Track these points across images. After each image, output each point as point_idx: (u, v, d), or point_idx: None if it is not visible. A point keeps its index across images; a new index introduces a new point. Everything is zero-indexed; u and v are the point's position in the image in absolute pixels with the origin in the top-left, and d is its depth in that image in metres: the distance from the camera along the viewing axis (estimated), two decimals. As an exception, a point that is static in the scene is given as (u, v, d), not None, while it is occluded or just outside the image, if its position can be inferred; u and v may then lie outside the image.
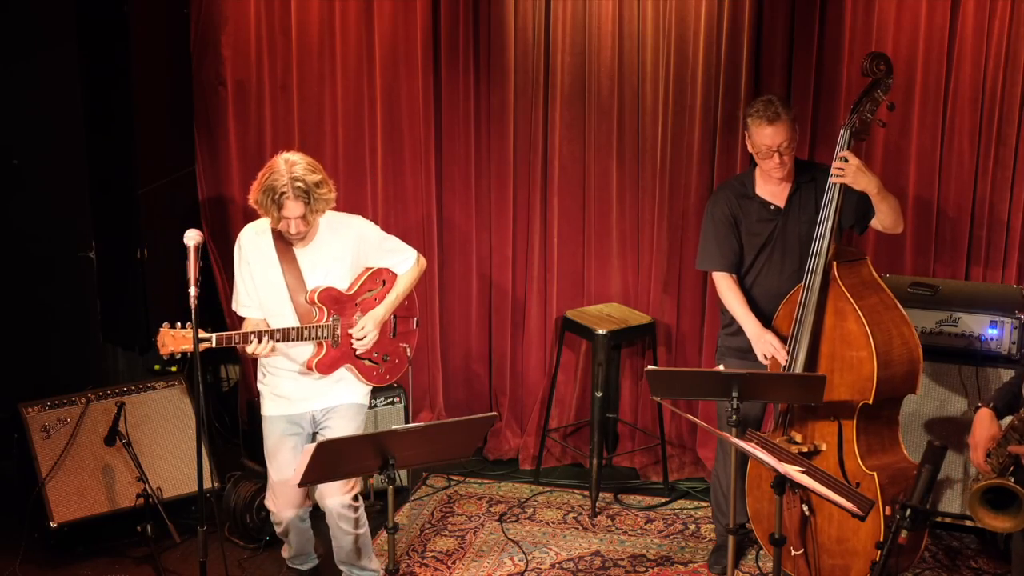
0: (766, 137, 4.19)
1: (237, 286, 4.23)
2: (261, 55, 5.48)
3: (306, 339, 4.09)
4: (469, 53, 5.34)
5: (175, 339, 3.90)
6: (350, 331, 4.19)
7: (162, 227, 5.19)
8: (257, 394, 5.32)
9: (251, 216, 5.62)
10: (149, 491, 4.70)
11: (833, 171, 4.10)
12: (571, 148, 5.34)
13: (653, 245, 5.33)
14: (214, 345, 3.94)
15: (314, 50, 5.45)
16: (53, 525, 4.63)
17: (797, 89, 5.01)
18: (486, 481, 5.43)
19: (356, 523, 4.24)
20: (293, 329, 4.06)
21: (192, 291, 3.77)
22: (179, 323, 3.92)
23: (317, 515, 4.47)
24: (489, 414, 3.99)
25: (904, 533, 3.63)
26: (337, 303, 4.16)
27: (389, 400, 5.18)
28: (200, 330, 3.86)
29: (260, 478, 4.84)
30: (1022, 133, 4.82)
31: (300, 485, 3.66)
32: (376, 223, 5.50)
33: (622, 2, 5.12)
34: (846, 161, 4.08)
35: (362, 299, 4.23)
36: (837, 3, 4.91)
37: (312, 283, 4.13)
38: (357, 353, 4.23)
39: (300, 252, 4.13)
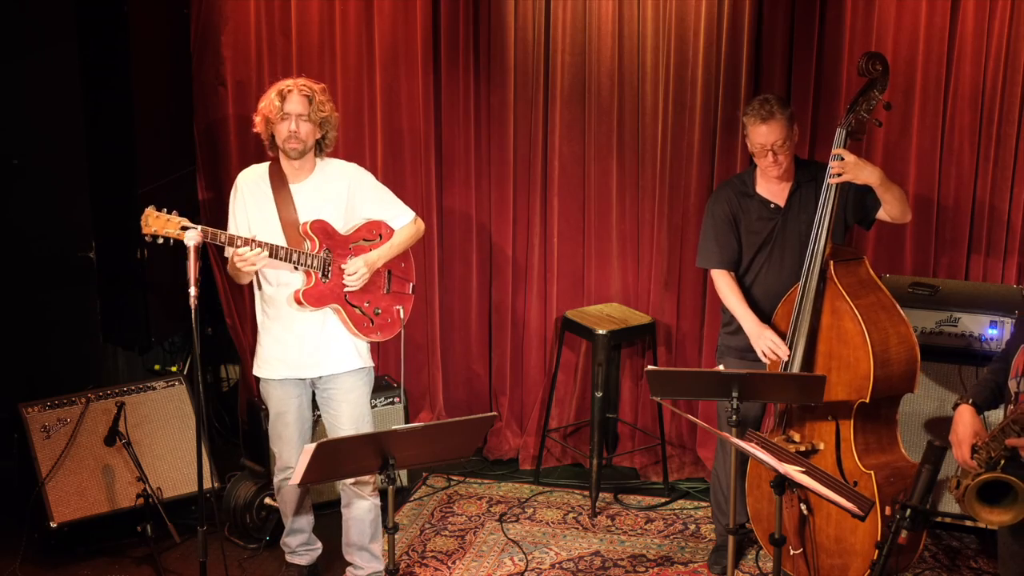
0: (760, 135, 4.19)
1: (229, 228, 4.23)
2: (261, 55, 5.49)
3: (295, 263, 4.08)
4: (469, 53, 5.34)
5: (159, 220, 3.91)
6: (342, 266, 4.19)
7: (162, 227, 5.19)
8: (257, 393, 5.34)
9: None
10: (149, 491, 4.70)
11: (831, 171, 4.09)
12: (571, 148, 5.34)
13: (653, 245, 5.33)
14: (199, 240, 3.86)
15: (314, 50, 5.45)
16: (53, 525, 4.63)
17: (797, 89, 5.01)
18: (486, 481, 5.43)
19: (372, 490, 4.27)
20: (283, 248, 4.06)
21: (192, 291, 3.77)
22: (165, 209, 3.93)
23: (323, 512, 4.48)
24: (489, 414, 4.00)
25: (904, 533, 3.63)
26: (330, 238, 4.17)
27: (389, 400, 5.18)
28: (187, 220, 3.92)
29: (260, 478, 4.85)
30: (1022, 133, 4.82)
31: (300, 485, 3.66)
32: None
33: (622, 2, 5.12)
34: (841, 159, 4.07)
35: (356, 245, 4.24)
36: (837, 3, 4.91)
37: (305, 218, 4.16)
38: (347, 291, 4.21)
39: (295, 189, 4.17)
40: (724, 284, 4.39)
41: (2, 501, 4.98)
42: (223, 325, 5.72)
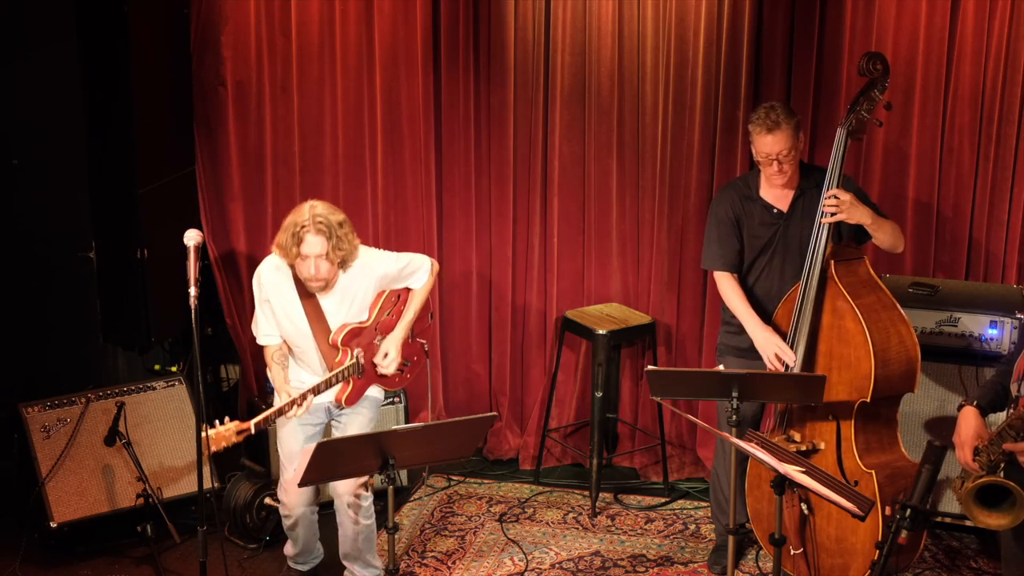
0: (766, 145, 4.19)
1: (258, 317, 4.25)
2: (261, 55, 5.48)
3: (335, 384, 4.13)
4: (469, 53, 5.34)
5: (216, 440, 3.83)
6: (374, 360, 4.25)
7: (162, 227, 5.19)
8: (257, 393, 5.33)
9: (250, 215, 5.66)
10: (149, 491, 4.70)
11: (825, 208, 4.10)
12: (571, 148, 5.34)
13: (653, 245, 5.33)
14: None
15: (314, 50, 5.45)
16: (53, 525, 4.63)
17: (797, 89, 5.01)
18: (486, 481, 5.43)
19: (362, 513, 4.26)
20: (323, 382, 4.09)
21: (192, 291, 3.77)
22: (216, 420, 3.86)
23: (322, 511, 4.48)
24: (489, 414, 4.00)
25: (904, 533, 3.63)
26: (358, 337, 4.21)
27: (389, 400, 5.17)
28: (238, 423, 3.85)
29: (260, 478, 4.85)
30: (1022, 133, 4.82)
31: (300, 485, 3.67)
32: (376, 223, 5.55)
33: (622, 2, 5.12)
34: (837, 199, 4.09)
35: (380, 322, 4.28)
36: (837, 3, 4.90)
37: (334, 323, 4.16)
38: (380, 373, 4.28)
39: (323, 299, 4.18)
40: (728, 286, 4.38)
41: (2, 501, 4.98)
42: (223, 325, 5.72)
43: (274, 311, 4.18)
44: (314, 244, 3.98)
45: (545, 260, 5.50)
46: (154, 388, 5.00)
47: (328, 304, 4.18)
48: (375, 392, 4.36)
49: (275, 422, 4.08)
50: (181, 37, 5.46)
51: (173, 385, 5.05)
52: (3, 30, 4.92)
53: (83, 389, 4.88)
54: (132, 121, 5.05)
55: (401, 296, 4.35)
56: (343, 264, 4.10)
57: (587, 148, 5.33)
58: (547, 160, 5.39)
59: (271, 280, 4.19)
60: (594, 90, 5.24)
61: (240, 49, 5.47)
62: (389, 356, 4.25)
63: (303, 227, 3.97)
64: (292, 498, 4.25)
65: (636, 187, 5.31)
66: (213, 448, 3.84)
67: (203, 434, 3.80)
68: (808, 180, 4.33)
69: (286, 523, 4.38)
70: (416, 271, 4.37)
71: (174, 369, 5.50)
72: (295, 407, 3.99)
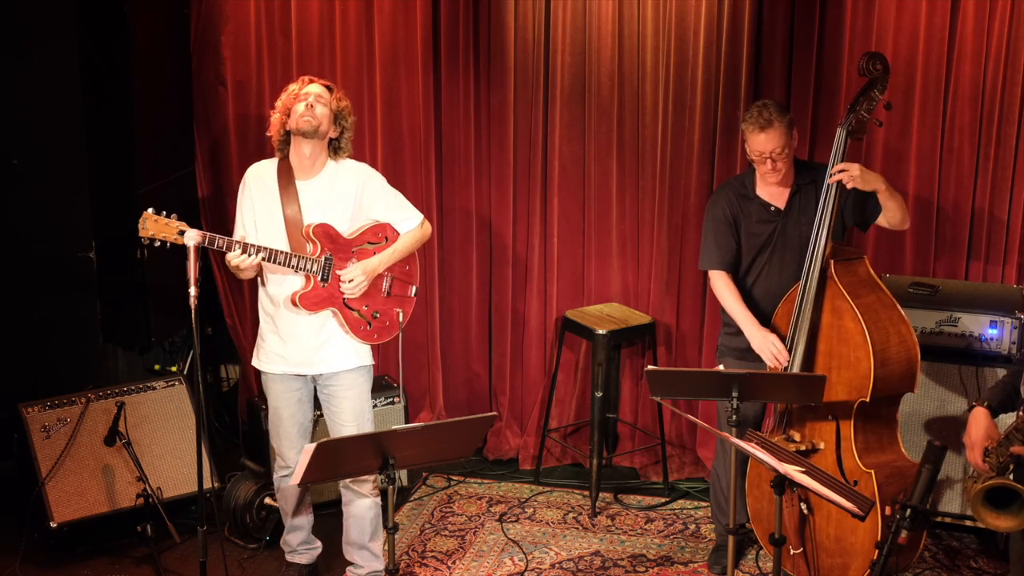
0: (759, 143, 4.19)
1: (236, 223, 4.25)
2: (261, 55, 5.48)
3: (294, 267, 4.08)
4: (469, 53, 5.34)
5: (156, 224, 3.91)
6: (339, 272, 4.18)
7: (162, 227, 5.19)
8: (257, 393, 5.33)
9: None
10: (149, 491, 4.70)
11: (835, 176, 4.10)
12: (571, 148, 5.34)
13: (653, 245, 5.33)
14: (198, 240, 3.89)
15: (314, 50, 5.45)
16: (53, 525, 4.63)
17: (797, 89, 5.01)
18: (486, 481, 5.43)
19: (373, 489, 4.27)
20: (281, 252, 4.06)
21: (192, 291, 3.77)
22: (164, 212, 3.93)
23: (322, 512, 4.48)
24: (489, 414, 4.00)
25: (904, 533, 3.63)
26: (332, 242, 4.15)
27: (389, 400, 5.18)
28: (185, 224, 3.91)
29: (260, 478, 4.85)
30: (1022, 133, 4.82)
31: (300, 485, 3.67)
32: (376, 222, 5.54)
33: (622, 2, 5.12)
34: (845, 170, 4.09)
35: (360, 248, 4.22)
36: (837, 3, 4.91)
37: (310, 219, 4.14)
38: (344, 299, 4.20)
39: (302, 187, 4.15)
40: (722, 285, 4.39)
41: (2, 501, 4.98)
42: (223, 325, 5.72)
43: (254, 206, 4.18)
44: (316, 87, 4.15)
45: (545, 260, 5.51)
46: (154, 388, 5.00)
47: (307, 194, 4.15)
48: (357, 360, 4.27)
49: (221, 251, 4.04)
50: (181, 37, 5.46)
51: (173, 385, 5.05)
52: (3, 30, 4.92)
53: (83, 389, 4.88)
54: (132, 121, 5.05)
55: (389, 239, 4.29)
56: (337, 123, 4.16)
57: (587, 148, 5.33)
58: (547, 160, 5.39)
59: (254, 170, 4.24)
60: (594, 90, 5.25)
61: (240, 49, 5.48)
62: (355, 276, 4.15)
63: (308, 79, 4.19)
64: (286, 452, 4.31)
65: (636, 187, 5.31)
66: (151, 232, 3.90)
67: (144, 213, 3.89)
68: (803, 176, 4.33)
69: (280, 473, 4.37)
70: (404, 208, 4.34)
71: (174, 369, 5.50)
72: (243, 251, 3.97)
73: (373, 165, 5.49)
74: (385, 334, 4.34)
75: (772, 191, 4.34)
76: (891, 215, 4.22)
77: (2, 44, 4.93)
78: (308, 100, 4.10)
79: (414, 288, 4.40)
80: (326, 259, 4.14)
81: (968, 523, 4.56)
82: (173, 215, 3.94)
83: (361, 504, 4.32)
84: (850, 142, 4.16)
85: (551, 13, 5.21)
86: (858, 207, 4.26)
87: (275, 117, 4.18)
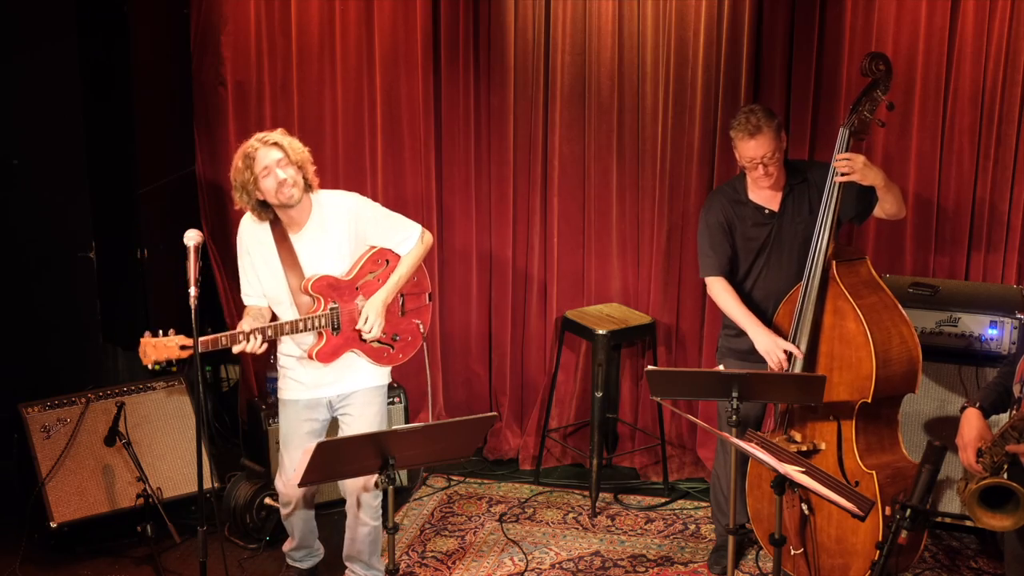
0: (749, 150, 4.19)
1: (240, 275, 4.22)
2: (261, 55, 5.48)
3: (303, 331, 4.06)
4: (469, 53, 5.34)
5: (156, 348, 3.86)
6: (356, 326, 4.15)
7: (162, 227, 5.19)
8: (257, 393, 5.33)
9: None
10: (149, 491, 4.70)
11: (837, 171, 4.09)
12: (571, 148, 5.34)
13: (653, 245, 5.33)
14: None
15: (314, 50, 5.45)
16: (53, 525, 4.63)
17: (797, 89, 5.01)
18: (486, 481, 5.43)
19: (369, 513, 4.25)
20: (287, 323, 4.04)
21: (192, 291, 3.76)
22: (160, 331, 3.86)
23: (319, 514, 4.48)
24: (489, 414, 3.99)
25: (904, 533, 3.63)
26: (334, 290, 4.12)
27: (389, 400, 5.15)
28: (183, 337, 3.84)
29: (260, 478, 4.85)
30: (1022, 133, 4.82)
31: (300, 485, 3.66)
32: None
33: (622, 2, 5.13)
34: (849, 160, 4.08)
35: (363, 282, 4.18)
36: (837, 3, 4.91)
37: (309, 272, 4.10)
38: (362, 337, 4.17)
39: (296, 240, 4.11)
40: (720, 289, 4.37)
41: (2, 501, 4.98)
42: (223, 325, 5.72)
43: (254, 263, 4.13)
44: (267, 154, 3.97)
45: (545, 260, 5.51)
46: (154, 388, 5.00)
47: (302, 246, 4.09)
48: (375, 380, 4.25)
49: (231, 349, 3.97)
50: (181, 37, 5.47)
51: (173, 385, 5.05)
52: (3, 30, 4.92)
53: (83, 389, 4.88)
54: (132, 121, 5.05)
55: (391, 262, 4.24)
56: (304, 172, 4.00)
57: (587, 148, 5.33)
58: (547, 160, 5.39)
59: (249, 229, 4.15)
60: (594, 90, 5.25)
61: (240, 49, 5.47)
62: (370, 321, 4.12)
63: (253, 149, 3.99)
64: (290, 489, 4.24)
65: (636, 187, 5.31)
66: (153, 357, 3.84)
67: (142, 340, 3.81)
68: (794, 176, 4.33)
69: (284, 511, 4.36)
70: (401, 228, 4.26)
71: (174, 369, 5.48)
72: (246, 340, 3.93)
73: (373, 165, 5.53)
74: (410, 349, 4.35)
75: (764, 195, 4.34)
76: (888, 206, 4.22)
77: (2, 44, 4.93)
78: (273, 175, 3.97)
79: (427, 295, 4.40)
80: (332, 310, 4.11)
81: (968, 523, 4.55)
82: (171, 331, 3.87)
83: (362, 530, 4.31)
84: (852, 142, 4.16)
85: (551, 13, 5.21)
86: (858, 199, 4.25)
87: (237, 195, 4.05)
